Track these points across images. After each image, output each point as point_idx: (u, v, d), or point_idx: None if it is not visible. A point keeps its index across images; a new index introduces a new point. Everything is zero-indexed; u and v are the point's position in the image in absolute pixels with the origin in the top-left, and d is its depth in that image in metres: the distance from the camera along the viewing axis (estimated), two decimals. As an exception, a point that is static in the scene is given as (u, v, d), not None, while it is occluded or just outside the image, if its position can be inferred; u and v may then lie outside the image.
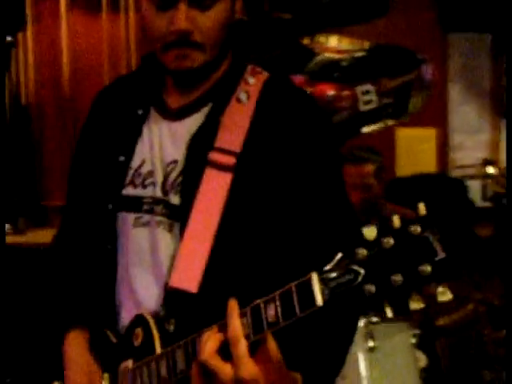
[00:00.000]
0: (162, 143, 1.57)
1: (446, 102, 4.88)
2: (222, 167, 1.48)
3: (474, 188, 4.89)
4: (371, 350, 2.71)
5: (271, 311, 1.25)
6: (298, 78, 4.44)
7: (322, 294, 1.19)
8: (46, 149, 4.77)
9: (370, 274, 1.16)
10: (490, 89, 4.93)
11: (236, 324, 1.27)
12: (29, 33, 4.56)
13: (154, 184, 1.55)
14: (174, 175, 1.53)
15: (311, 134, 1.53)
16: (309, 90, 4.51)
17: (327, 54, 4.53)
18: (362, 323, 2.78)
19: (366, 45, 4.50)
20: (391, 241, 1.15)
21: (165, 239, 1.51)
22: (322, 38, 4.44)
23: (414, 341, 2.87)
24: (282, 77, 1.64)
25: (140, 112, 1.62)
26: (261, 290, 1.30)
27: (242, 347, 1.26)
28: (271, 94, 1.55)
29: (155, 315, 1.50)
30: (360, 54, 4.57)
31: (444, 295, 1.13)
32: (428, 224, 1.13)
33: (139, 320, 1.52)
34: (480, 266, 4.62)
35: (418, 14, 4.70)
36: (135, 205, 1.56)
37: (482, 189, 4.93)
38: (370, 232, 1.18)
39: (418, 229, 1.13)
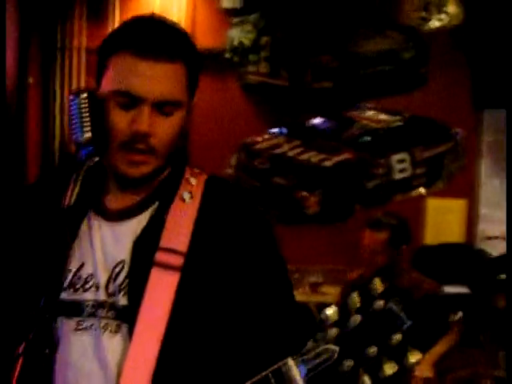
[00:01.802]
0: (105, 245, 1.54)
1: (477, 174, 5.01)
2: (168, 267, 1.49)
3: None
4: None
5: None
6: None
7: (301, 377, 1.28)
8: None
9: (346, 350, 1.27)
10: (520, 164, 5.06)
11: None
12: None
13: (96, 287, 1.52)
14: (120, 277, 1.51)
15: (253, 232, 1.56)
16: (345, 155, 4.67)
17: (365, 122, 4.69)
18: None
19: (403, 116, 4.68)
20: (358, 318, 1.28)
21: (111, 342, 1.49)
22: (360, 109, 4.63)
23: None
24: (221, 177, 1.67)
25: (77, 213, 1.57)
26: None
27: None
28: (213, 194, 1.58)
29: None
30: (396, 123, 4.73)
31: (414, 356, 1.27)
32: (389, 296, 1.26)
33: None
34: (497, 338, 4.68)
35: (453, 90, 4.87)
36: (76, 310, 1.52)
37: (509, 261, 5.03)
38: (332, 313, 1.30)
39: (382, 303, 1.26)
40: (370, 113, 4.70)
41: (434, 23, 4.49)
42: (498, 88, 4.79)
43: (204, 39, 4.58)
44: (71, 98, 1.44)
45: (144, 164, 1.49)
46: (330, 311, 1.31)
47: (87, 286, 1.52)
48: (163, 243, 1.50)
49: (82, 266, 1.54)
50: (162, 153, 1.50)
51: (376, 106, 4.71)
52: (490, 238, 5.02)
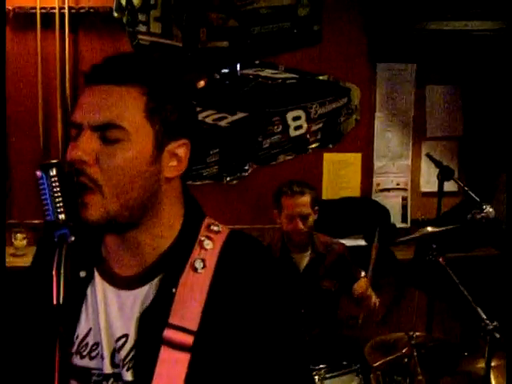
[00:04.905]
0: (109, 314, 1.46)
1: (371, 128, 5.05)
2: (178, 347, 1.39)
3: (395, 210, 5.11)
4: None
5: None
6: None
7: None
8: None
9: None
10: (412, 116, 5.12)
11: None
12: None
13: (101, 356, 1.46)
14: (125, 351, 1.44)
15: (272, 310, 1.46)
16: (241, 114, 4.62)
17: (260, 80, 4.64)
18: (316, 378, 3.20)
19: (298, 73, 4.65)
20: None
21: None
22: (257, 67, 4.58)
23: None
24: (242, 235, 1.54)
25: (83, 274, 1.50)
26: None
27: None
28: (230, 261, 1.46)
29: None
30: (291, 81, 4.70)
31: None
32: None
33: None
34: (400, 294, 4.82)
35: (348, 45, 4.86)
36: (84, 376, 1.47)
37: (402, 211, 5.14)
38: None
39: None
40: (265, 71, 4.65)
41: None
42: (391, 41, 4.81)
43: (91, -3, 4.41)
44: (39, 175, 1.29)
45: (90, 205, 1.35)
46: None
47: (93, 354, 1.46)
48: (172, 319, 1.40)
49: (88, 332, 1.48)
50: (110, 191, 1.35)
51: (271, 64, 4.66)
52: (383, 191, 5.11)
